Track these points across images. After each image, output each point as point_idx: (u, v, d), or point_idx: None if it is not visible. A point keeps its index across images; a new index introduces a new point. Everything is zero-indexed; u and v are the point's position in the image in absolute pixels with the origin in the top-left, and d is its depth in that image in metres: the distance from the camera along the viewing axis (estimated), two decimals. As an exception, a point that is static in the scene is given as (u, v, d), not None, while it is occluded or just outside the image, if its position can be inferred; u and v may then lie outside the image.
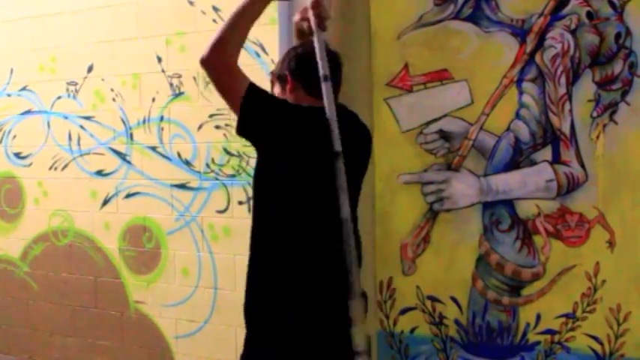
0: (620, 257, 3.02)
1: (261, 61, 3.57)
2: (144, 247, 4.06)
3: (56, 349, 4.49)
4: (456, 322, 3.31)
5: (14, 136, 4.55)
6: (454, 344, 3.32)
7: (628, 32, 2.96)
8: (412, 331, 3.39)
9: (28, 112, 4.47)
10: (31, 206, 4.52)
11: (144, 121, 4.00)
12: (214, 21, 3.70)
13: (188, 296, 3.91)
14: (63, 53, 4.29)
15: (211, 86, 3.69)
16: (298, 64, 2.48)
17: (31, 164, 4.49)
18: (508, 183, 3.18)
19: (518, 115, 3.15)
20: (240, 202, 3.69)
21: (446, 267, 3.30)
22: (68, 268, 4.39)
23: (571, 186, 3.08)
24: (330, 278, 2.37)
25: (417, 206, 3.32)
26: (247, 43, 3.59)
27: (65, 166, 4.34)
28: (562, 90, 3.06)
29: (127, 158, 4.08)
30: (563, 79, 3.06)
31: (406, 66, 3.30)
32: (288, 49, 2.63)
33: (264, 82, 3.54)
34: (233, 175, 3.70)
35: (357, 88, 3.33)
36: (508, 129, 3.16)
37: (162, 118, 3.94)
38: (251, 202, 3.65)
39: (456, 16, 3.22)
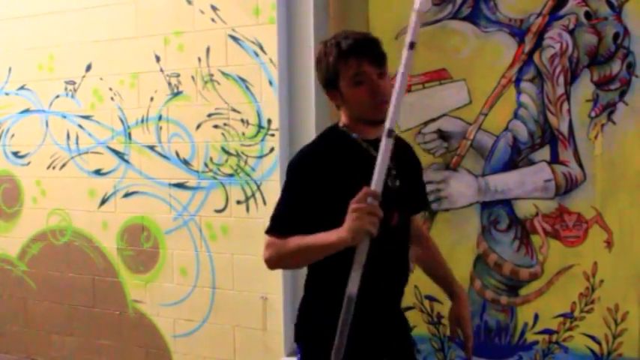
0: (618, 257, 3.02)
1: (259, 60, 3.57)
2: (142, 246, 4.06)
3: (54, 348, 4.48)
4: (454, 321, 3.31)
5: (12, 135, 4.55)
6: (452, 344, 3.33)
7: (626, 32, 2.96)
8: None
9: (27, 111, 4.46)
10: (29, 205, 4.51)
11: (142, 121, 4.00)
12: (212, 20, 3.70)
13: (186, 295, 3.91)
14: (61, 52, 4.28)
15: (209, 85, 3.72)
16: None
17: (29, 163, 4.48)
18: (506, 183, 3.18)
19: (516, 115, 3.15)
20: (239, 202, 3.68)
21: (444, 266, 3.30)
22: (66, 267, 4.38)
23: (569, 186, 3.08)
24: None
25: (415, 206, 3.32)
26: (246, 43, 3.59)
27: (63, 165, 4.33)
28: (560, 90, 3.07)
29: (126, 157, 4.08)
30: (561, 79, 3.06)
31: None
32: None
33: (262, 80, 3.57)
34: (231, 175, 3.70)
35: (355, 87, 3.33)
36: (506, 129, 3.17)
37: (160, 118, 3.93)
38: (250, 202, 3.67)
39: (455, 15, 3.23)
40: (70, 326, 4.40)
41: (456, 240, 3.27)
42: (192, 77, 3.79)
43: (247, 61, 3.61)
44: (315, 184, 2.19)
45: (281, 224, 2.22)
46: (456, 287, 2.60)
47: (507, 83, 3.14)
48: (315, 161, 2.24)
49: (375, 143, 2.18)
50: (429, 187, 3.28)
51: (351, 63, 2.21)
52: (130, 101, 4.04)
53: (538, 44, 3.10)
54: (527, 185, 3.15)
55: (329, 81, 2.26)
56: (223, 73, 3.69)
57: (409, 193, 2.38)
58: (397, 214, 2.27)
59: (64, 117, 4.30)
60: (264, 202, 3.61)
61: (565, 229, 3.10)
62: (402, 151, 2.40)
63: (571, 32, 3.04)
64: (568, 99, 3.06)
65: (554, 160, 3.10)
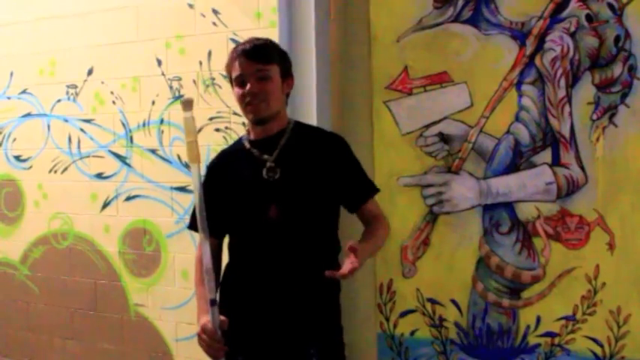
0: (620, 259, 3.02)
1: (260, 64, 3.57)
2: (144, 250, 4.06)
3: (56, 351, 4.48)
4: (456, 324, 3.31)
5: (14, 139, 4.55)
6: (454, 347, 3.32)
7: (627, 35, 2.96)
8: (412, 333, 3.39)
9: (28, 115, 4.47)
10: (31, 209, 4.51)
11: (144, 124, 4.00)
12: (214, 24, 3.70)
13: (188, 299, 3.91)
14: (63, 56, 4.29)
15: (211, 89, 3.72)
16: None
17: (30, 167, 4.49)
18: (508, 185, 3.18)
19: (517, 118, 3.15)
20: (240, 205, 3.68)
21: (446, 269, 3.30)
22: (68, 271, 4.39)
23: (571, 188, 3.08)
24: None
25: (416, 209, 3.32)
26: (247, 46, 3.59)
27: (65, 169, 4.34)
28: (562, 92, 3.07)
29: (127, 161, 4.08)
30: (562, 82, 3.07)
31: (406, 69, 3.30)
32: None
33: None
34: (233, 178, 3.70)
35: (356, 91, 3.34)
36: (508, 132, 3.17)
37: (162, 121, 3.94)
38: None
39: (456, 18, 3.23)
40: (71, 330, 4.40)
41: (457, 243, 3.27)
42: (194, 81, 3.80)
43: (249, 64, 3.62)
44: (209, 185, 2.49)
45: (191, 221, 2.60)
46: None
47: (509, 86, 3.14)
48: (211, 164, 2.60)
49: (262, 142, 2.47)
50: (430, 190, 3.29)
51: (236, 65, 2.43)
52: (131, 105, 4.04)
53: (539, 47, 3.10)
54: (528, 188, 3.15)
55: (230, 82, 2.51)
56: (225, 77, 3.70)
57: (296, 184, 2.40)
58: (276, 207, 2.37)
59: (66, 121, 4.31)
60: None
61: (567, 232, 3.10)
62: (306, 142, 2.48)
63: (572, 35, 3.04)
64: (569, 102, 3.06)
65: (556, 162, 3.10)
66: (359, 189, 2.57)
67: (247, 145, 2.50)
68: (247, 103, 2.40)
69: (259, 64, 2.40)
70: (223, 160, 2.58)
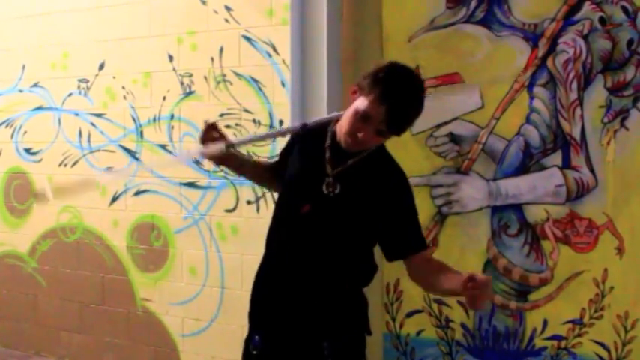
0: (628, 264, 3.01)
1: (272, 61, 3.57)
2: (152, 245, 4.06)
3: (63, 345, 4.50)
4: (463, 325, 3.31)
5: (25, 132, 4.57)
6: (460, 348, 3.32)
7: (640, 38, 2.96)
8: (418, 333, 3.38)
9: (39, 108, 4.48)
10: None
11: (154, 120, 4.01)
12: (226, 20, 3.71)
13: (195, 295, 3.92)
14: (75, 50, 4.30)
15: (222, 85, 3.73)
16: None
17: (41, 160, 4.50)
18: (517, 187, 3.18)
19: (528, 120, 3.15)
20: (249, 202, 3.69)
21: (453, 270, 3.30)
22: (76, 264, 4.40)
23: (580, 191, 3.08)
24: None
25: (425, 209, 3.31)
26: (259, 44, 3.60)
27: (75, 163, 4.35)
28: (573, 95, 3.06)
29: (137, 156, 4.09)
30: (574, 85, 3.06)
31: (417, 69, 3.30)
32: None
33: (274, 81, 3.57)
34: (242, 175, 3.70)
35: (367, 89, 3.33)
36: (518, 133, 3.16)
37: (172, 117, 3.95)
38: (261, 202, 3.67)
39: (468, 19, 3.23)
40: (78, 323, 4.42)
41: (465, 244, 3.27)
42: (205, 77, 3.80)
43: (260, 61, 3.62)
44: (286, 147, 2.55)
45: None
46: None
47: (520, 88, 3.14)
48: (296, 134, 2.54)
49: (339, 151, 2.33)
50: (439, 191, 3.29)
51: (374, 104, 2.21)
52: (142, 100, 4.05)
53: (552, 49, 3.09)
54: (538, 190, 3.15)
55: (359, 86, 2.30)
56: (236, 74, 3.70)
57: (348, 209, 2.33)
58: (310, 207, 2.34)
59: (77, 115, 4.32)
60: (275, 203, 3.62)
61: (575, 235, 3.09)
62: (371, 170, 2.36)
63: (585, 37, 3.04)
64: (581, 104, 3.05)
65: (566, 165, 3.10)
66: (403, 243, 2.41)
67: (329, 141, 2.40)
68: (353, 137, 2.26)
69: (392, 127, 2.25)
70: (303, 138, 2.50)
